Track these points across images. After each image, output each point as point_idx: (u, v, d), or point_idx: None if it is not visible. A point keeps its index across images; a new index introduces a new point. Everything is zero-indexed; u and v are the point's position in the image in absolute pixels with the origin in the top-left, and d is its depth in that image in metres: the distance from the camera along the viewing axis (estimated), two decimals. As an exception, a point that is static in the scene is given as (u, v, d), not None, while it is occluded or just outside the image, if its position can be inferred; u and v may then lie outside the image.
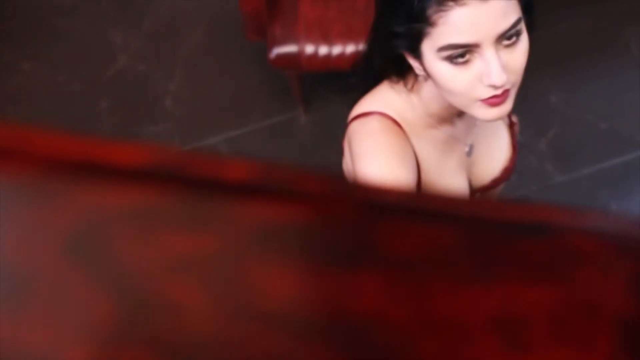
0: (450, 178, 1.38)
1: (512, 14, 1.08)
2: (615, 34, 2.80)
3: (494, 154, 1.42)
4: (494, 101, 1.12)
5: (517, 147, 1.45)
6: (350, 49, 2.21)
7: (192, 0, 2.85)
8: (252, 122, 2.69)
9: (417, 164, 1.30)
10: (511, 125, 1.43)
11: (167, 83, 2.73)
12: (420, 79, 1.22)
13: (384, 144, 1.22)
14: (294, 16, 2.23)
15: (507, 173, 1.45)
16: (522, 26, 1.11)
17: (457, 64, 1.10)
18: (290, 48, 2.22)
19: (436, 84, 1.16)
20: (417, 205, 0.37)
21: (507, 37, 1.09)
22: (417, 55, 1.15)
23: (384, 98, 1.29)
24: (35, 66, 2.77)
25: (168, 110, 2.70)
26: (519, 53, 1.12)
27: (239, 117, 2.69)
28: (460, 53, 1.09)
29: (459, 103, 1.16)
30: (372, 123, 1.26)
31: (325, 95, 2.71)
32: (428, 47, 1.12)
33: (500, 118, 1.16)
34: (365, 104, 1.30)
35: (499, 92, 1.10)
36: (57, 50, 2.80)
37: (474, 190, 1.47)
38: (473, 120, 1.33)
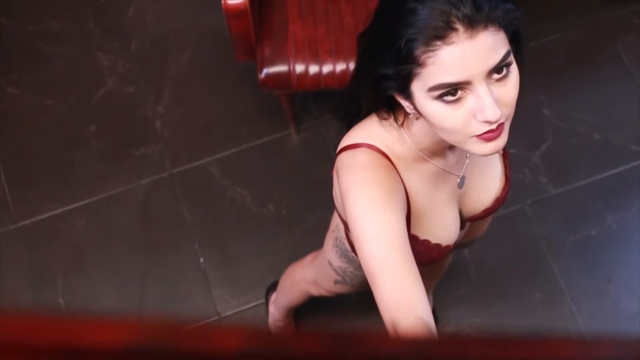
0: (441, 210, 1.35)
1: (500, 47, 1.06)
2: (606, 44, 2.79)
3: (486, 185, 1.41)
4: (489, 136, 1.10)
5: (510, 177, 1.43)
6: (340, 67, 2.19)
7: (179, 20, 2.82)
8: (243, 142, 2.66)
9: (407, 197, 1.28)
10: (504, 155, 1.42)
11: (156, 104, 2.71)
12: (411, 117, 1.20)
13: (371, 179, 1.19)
14: (283, 36, 2.21)
15: (499, 203, 1.43)
16: (512, 58, 1.09)
17: (449, 102, 1.08)
18: (280, 68, 2.20)
19: (429, 122, 1.14)
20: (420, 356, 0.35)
21: (497, 71, 1.07)
22: (408, 96, 1.13)
23: (372, 130, 1.26)
24: (22, 91, 2.75)
25: (158, 132, 2.67)
26: (511, 85, 1.10)
27: (230, 137, 2.67)
28: (451, 91, 1.07)
29: (454, 140, 1.14)
30: (360, 156, 1.23)
31: (316, 114, 2.69)
32: (418, 87, 1.10)
33: (496, 152, 1.14)
34: (353, 136, 1.28)
35: (493, 126, 1.09)
36: (45, 74, 2.77)
37: (464, 220, 1.45)
38: (464, 152, 1.32)
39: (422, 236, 1.35)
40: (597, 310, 2.43)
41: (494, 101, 1.07)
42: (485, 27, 1.04)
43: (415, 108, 1.14)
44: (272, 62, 2.20)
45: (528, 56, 2.94)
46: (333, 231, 1.62)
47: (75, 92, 2.74)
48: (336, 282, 1.77)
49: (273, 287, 2.39)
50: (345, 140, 1.29)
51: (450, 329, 2.44)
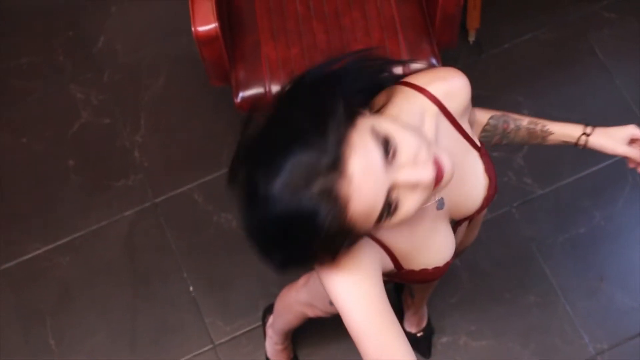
0: (427, 241, 1.33)
1: (366, 142, 0.99)
2: (579, 40, 2.79)
3: (471, 191, 1.38)
4: (438, 179, 1.06)
5: (494, 171, 1.39)
6: (316, 85, 2.16)
7: (150, 48, 2.79)
8: (224, 166, 2.63)
9: (385, 247, 1.25)
10: (480, 152, 1.37)
11: (133, 134, 2.68)
12: None
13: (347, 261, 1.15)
14: (257, 58, 2.18)
15: (489, 200, 1.41)
16: (377, 127, 1.02)
17: (394, 211, 1.04)
18: (256, 90, 2.17)
19: None
20: None
21: (386, 153, 1.01)
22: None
23: None
24: (-4, 130, 2.71)
25: (137, 162, 2.64)
26: (403, 141, 1.03)
27: (210, 162, 2.64)
28: (388, 210, 1.03)
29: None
30: None
31: (295, 131, 2.66)
32: (365, 232, 1.08)
33: (452, 175, 1.09)
34: None
35: (430, 178, 1.05)
36: (18, 111, 2.74)
37: (459, 222, 1.43)
38: None
39: (418, 267, 1.33)
40: (592, 309, 2.42)
41: (416, 168, 1.02)
42: (344, 159, 0.97)
43: None
44: (248, 85, 2.18)
45: (503, 58, 2.95)
46: None
47: (50, 128, 2.71)
48: (331, 302, 1.75)
49: (270, 309, 2.37)
50: None
51: (447, 339, 2.42)
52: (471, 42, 2.77)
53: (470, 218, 1.44)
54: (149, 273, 2.52)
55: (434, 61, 2.15)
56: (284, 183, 0.98)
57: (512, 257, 2.49)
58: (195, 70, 2.66)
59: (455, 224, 1.43)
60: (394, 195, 1.03)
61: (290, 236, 1.02)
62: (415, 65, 2.10)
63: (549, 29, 2.81)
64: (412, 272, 1.32)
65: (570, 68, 2.76)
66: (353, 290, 1.13)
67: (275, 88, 2.16)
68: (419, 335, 2.36)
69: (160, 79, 2.75)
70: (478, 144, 1.36)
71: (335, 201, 0.97)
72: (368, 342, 1.12)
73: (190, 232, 2.56)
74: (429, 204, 1.28)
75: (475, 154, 1.36)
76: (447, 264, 1.38)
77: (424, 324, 2.37)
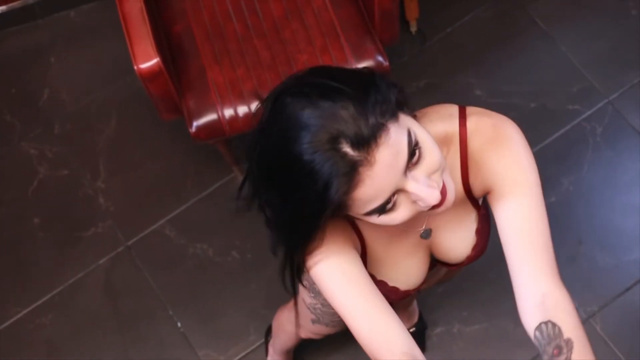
0: (399, 259, 1.33)
1: (399, 141, 1.00)
2: (518, 13, 2.81)
3: (457, 242, 1.37)
4: (438, 205, 1.08)
5: (487, 236, 1.38)
6: (268, 102, 2.16)
7: (96, 92, 2.76)
8: (191, 196, 2.62)
9: (362, 240, 1.27)
10: (479, 213, 1.36)
11: (94, 181, 2.65)
12: None
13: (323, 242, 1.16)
14: (204, 85, 2.17)
15: (471, 260, 1.41)
16: (415, 132, 1.03)
17: (387, 211, 1.05)
18: (209, 117, 2.16)
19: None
20: None
21: (411, 159, 1.02)
22: (348, 218, 1.12)
23: None
24: (-45, 201, 2.66)
25: (103, 208, 2.61)
26: (428, 154, 1.04)
27: (177, 195, 2.62)
28: (385, 207, 1.04)
29: (409, 220, 1.11)
30: None
31: (256, 150, 2.65)
32: (353, 214, 1.08)
33: (448, 207, 1.10)
34: None
35: (436, 201, 1.06)
36: (-26, 178, 2.69)
37: (437, 263, 1.43)
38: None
39: (379, 277, 1.34)
40: (576, 273, 2.44)
41: (427, 186, 1.04)
42: (377, 144, 0.98)
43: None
44: (200, 114, 2.16)
45: (448, 43, 2.97)
46: None
47: (9, 189, 2.66)
48: (313, 321, 1.75)
49: (271, 330, 2.36)
50: None
51: (440, 329, 2.43)
52: (414, 33, 2.78)
53: (449, 266, 1.44)
54: (134, 317, 2.49)
55: (380, 58, 2.15)
56: (320, 125, 0.98)
57: (490, 235, 2.49)
58: (145, 107, 2.63)
59: (434, 263, 1.43)
60: (396, 197, 1.04)
61: (296, 183, 1.01)
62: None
63: (487, 6, 2.83)
64: (373, 277, 1.32)
65: (515, 41, 2.79)
66: (336, 272, 1.15)
67: (227, 112, 2.15)
68: (411, 330, 2.36)
69: (112, 121, 2.72)
70: (479, 203, 1.34)
71: (349, 177, 0.98)
72: (359, 322, 1.13)
73: (168, 269, 2.54)
74: (417, 229, 1.30)
75: (473, 212, 1.35)
76: (406, 292, 1.38)
77: (415, 319, 2.37)
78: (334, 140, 0.96)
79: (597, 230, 2.50)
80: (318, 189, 0.98)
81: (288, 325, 2.04)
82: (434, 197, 1.04)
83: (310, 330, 1.85)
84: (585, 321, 2.38)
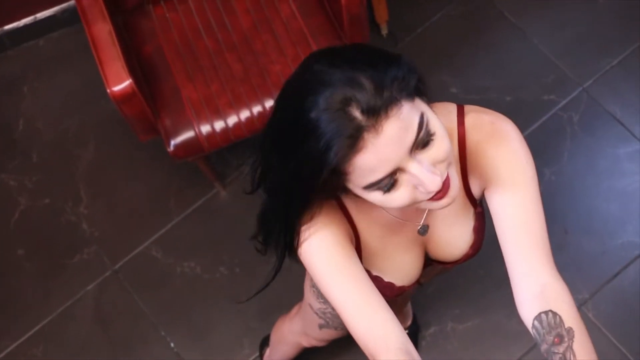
0: (395, 253, 1.33)
1: (411, 120, 1.01)
2: (487, 8, 2.83)
3: (453, 240, 1.37)
4: (438, 197, 1.07)
5: (482, 234, 1.39)
6: (244, 115, 2.15)
7: (72, 118, 2.75)
8: (174, 215, 2.61)
9: (357, 234, 1.26)
10: (476, 210, 1.36)
11: (76, 207, 2.63)
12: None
13: (316, 220, 1.16)
14: (179, 103, 2.16)
15: (467, 257, 1.41)
16: (428, 118, 1.03)
17: (387, 190, 1.04)
18: (186, 135, 2.15)
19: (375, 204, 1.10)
20: None
21: (418, 142, 1.02)
22: (346, 192, 1.10)
23: None
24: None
25: (87, 234, 2.59)
26: (439, 143, 1.05)
27: (160, 215, 2.61)
28: (384, 183, 1.03)
29: (406, 208, 1.10)
30: None
31: (236, 164, 2.65)
32: (352, 186, 1.07)
33: (449, 204, 1.09)
34: None
35: (437, 189, 1.05)
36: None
37: (432, 261, 1.43)
38: None
39: (374, 272, 1.34)
40: (564, 263, 2.43)
41: (429, 171, 1.03)
42: (387, 115, 0.98)
43: (357, 195, 1.10)
44: (177, 132, 2.15)
45: (420, 43, 2.98)
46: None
47: (-9, 222, 2.65)
48: (320, 326, 1.74)
49: (266, 341, 2.35)
50: None
51: (434, 329, 2.42)
52: (385, 35, 2.79)
53: (444, 265, 1.45)
54: (126, 341, 2.47)
55: (352, 63, 2.15)
56: (338, 85, 0.99)
57: (477, 232, 2.50)
58: (122, 129, 2.62)
59: (429, 262, 1.43)
60: (397, 175, 1.04)
61: (300, 139, 1.01)
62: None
63: (455, 4, 2.84)
64: (369, 273, 1.32)
65: (486, 37, 2.80)
66: (333, 263, 1.15)
67: (204, 128, 2.14)
68: (404, 333, 2.36)
69: (90, 146, 2.71)
70: (477, 201, 1.34)
71: (353, 140, 0.98)
72: (355, 319, 1.13)
73: (157, 289, 2.52)
74: (415, 224, 1.30)
75: (470, 210, 1.35)
76: (402, 288, 1.38)
77: (409, 322, 2.36)
78: (346, 103, 0.98)
79: (582, 217, 2.51)
80: (320, 148, 0.98)
81: (290, 336, 2.04)
82: (435, 183, 1.03)
83: (317, 337, 1.85)
84: (578, 309, 2.38)
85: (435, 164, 1.04)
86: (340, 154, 0.99)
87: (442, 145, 1.05)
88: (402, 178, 1.04)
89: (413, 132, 1.01)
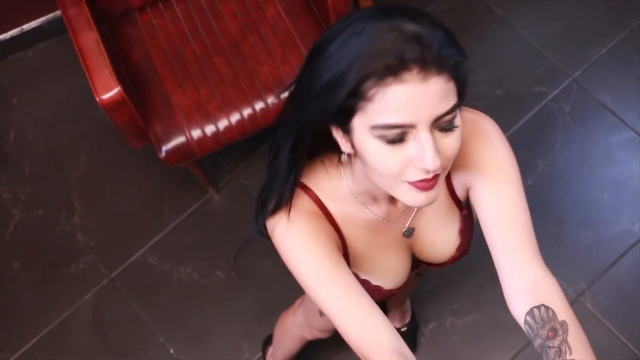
0: (381, 256, 1.33)
1: (450, 98, 1.00)
2: (474, 3, 2.83)
3: (439, 242, 1.37)
4: (423, 185, 1.05)
5: (470, 236, 1.38)
6: (235, 118, 2.15)
7: (63, 129, 2.74)
8: (169, 221, 2.60)
9: (343, 239, 1.26)
10: (461, 213, 1.35)
11: (71, 217, 2.62)
12: (344, 157, 1.16)
13: (298, 227, 1.17)
14: (169, 109, 2.16)
15: (454, 260, 1.41)
16: (458, 112, 1.03)
17: (389, 143, 1.01)
18: (177, 140, 2.15)
19: (363, 161, 1.07)
20: None
21: (443, 122, 1.01)
22: (347, 131, 1.06)
23: (313, 172, 1.23)
24: None
25: (83, 244, 2.59)
26: (454, 138, 1.04)
27: (155, 222, 2.60)
28: (394, 133, 1.00)
29: (385, 184, 1.08)
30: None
31: (229, 168, 2.65)
32: (360, 123, 1.02)
33: (427, 204, 1.08)
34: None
35: (429, 176, 1.03)
36: (-52, 228, 2.66)
37: (420, 264, 1.43)
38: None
39: (362, 276, 1.34)
40: (561, 254, 2.45)
41: (435, 151, 1.01)
42: (438, 73, 0.97)
43: (352, 146, 1.07)
44: (168, 138, 2.15)
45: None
46: None
47: (-15, 236, 2.64)
48: (321, 313, 1.74)
49: (269, 340, 2.35)
50: None
51: (433, 325, 2.42)
52: (373, 33, 2.78)
53: (432, 267, 1.44)
54: (126, 349, 2.46)
55: (341, 62, 2.15)
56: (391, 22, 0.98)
57: (472, 227, 2.50)
58: (113, 137, 2.62)
59: (417, 264, 1.43)
60: (407, 136, 1.01)
61: (347, 37, 1.00)
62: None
63: (443, 0, 2.84)
64: (357, 276, 1.32)
65: (474, 31, 2.80)
66: (318, 268, 1.14)
67: (195, 133, 2.14)
68: (402, 330, 2.36)
69: (82, 156, 2.70)
70: (462, 204, 1.34)
71: (399, 65, 0.96)
72: (345, 322, 1.13)
73: (154, 296, 2.52)
74: (400, 226, 1.30)
75: (456, 212, 1.35)
76: (390, 291, 1.37)
77: (407, 319, 2.36)
78: (409, 35, 0.96)
79: (577, 208, 2.51)
80: (363, 50, 0.97)
81: (294, 329, 2.04)
82: (434, 163, 1.00)
83: (319, 327, 1.85)
84: (576, 300, 2.38)
85: (441, 154, 1.03)
86: (380, 68, 0.96)
87: (455, 144, 1.04)
88: (408, 144, 1.02)
89: (446, 107, 0.99)
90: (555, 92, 2.66)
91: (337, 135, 1.09)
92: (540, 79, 2.68)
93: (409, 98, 0.97)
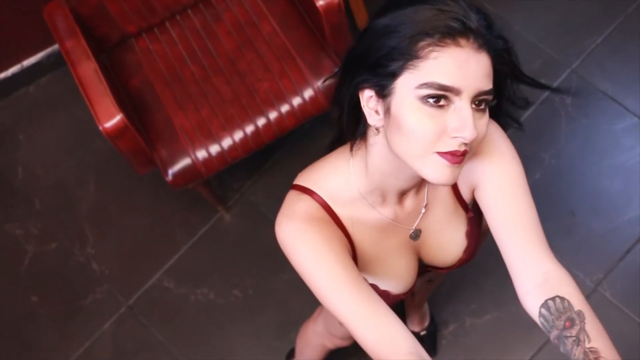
0: (389, 259, 1.33)
1: (491, 81, 1.06)
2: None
3: (446, 245, 1.38)
4: (451, 158, 1.05)
5: (477, 239, 1.39)
6: (238, 135, 2.16)
7: (69, 161, 2.76)
8: (182, 244, 2.61)
9: (352, 243, 1.26)
10: (467, 215, 1.36)
11: (84, 248, 2.64)
12: (371, 132, 1.17)
13: (307, 233, 1.18)
14: (173, 132, 2.17)
15: (461, 263, 1.41)
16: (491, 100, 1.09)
17: (431, 106, 1.04)
18: (183, 163, 2.16)
19: (397, 127, 1.07)
20: None
21: (481, 99, 1.05)
22: (385, 94, 1.08)
23: (322, 175, 1.24)
24: (-50, 295, 2.64)
25: (98, 273, 2.60)
26: (484, 122, 1.08)
27: (167, 246, 2.61)
28: (439, 95, 1.03)
29: (413, 153, 1.07)
30: (299, 207, 1.22)
31: (236, 186, 2.66)
32: (406, 83, 1.05)
33: (447, 182, 1.08)
34: (307, 175, 1.26)
35: (461, 149, 1.05)
36: (-36, 269, 2.68)
37: (426, 266, 1.43)
38: (419, 206, 1.30)
39: (370, 280, 1.34)
40: (575, 245, 2.44)
41: (470, 123, 1.03)
42: (488, 51, 1.05)
43: (387, 111, 1.09)
44: (173, 161, 2.16)
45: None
46: None
47: (1, 272, 2.65)
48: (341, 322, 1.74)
49: (291, 354, 2.35)
50: (301, 176, 1.27)
51: (452, 327, 2.41)
52: (369, 41, 2.79)
53: (439, 270, 1.45)
54: (148, 375, 2.47)
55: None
56: None
57: (484, 225, 2.50)
58: (120, 165, 2.63)
59: (424, 269, 1.44)
60: (449, 100, 1.04)
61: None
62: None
63: (435, 2, 2.84)
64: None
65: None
66: (328, 274, 1.15)
67: (200, 154, 2.15)
68: (422, 334, 2.35)
69: (90, 186, 2.72)
70: (468, 206, 1.35)
71: (459, 30, 1.02)
72: (361, 328, 1.13)
73: (173, 320, 2.52)
74: (408, 228, 1.30)
75: (462, 215, 1.36)
76: (397, 296, 1.38)
77: (426, 322, 2.36)
78: (474, 10, 1.05)
79: (587, 198, 2.50)
80: (426, 15, 1.04)
81: (315, 338, 2.04)
82: (471, 131, 1.03)
83: (339, 335, 1.85)
84: (594, 290, 2.37)
85: (473, 129, 1.06)
86: (442, 27, 1.02)
87: (484, 128, 1.08)
88: (448, 111, 1.05)
89: (488, 85, 1.05)
90: (556, 84, 2.65)
91: (370, 103, 1.11)
92: (538, 72, 2.68)
93: (462, 63, 1.02)
